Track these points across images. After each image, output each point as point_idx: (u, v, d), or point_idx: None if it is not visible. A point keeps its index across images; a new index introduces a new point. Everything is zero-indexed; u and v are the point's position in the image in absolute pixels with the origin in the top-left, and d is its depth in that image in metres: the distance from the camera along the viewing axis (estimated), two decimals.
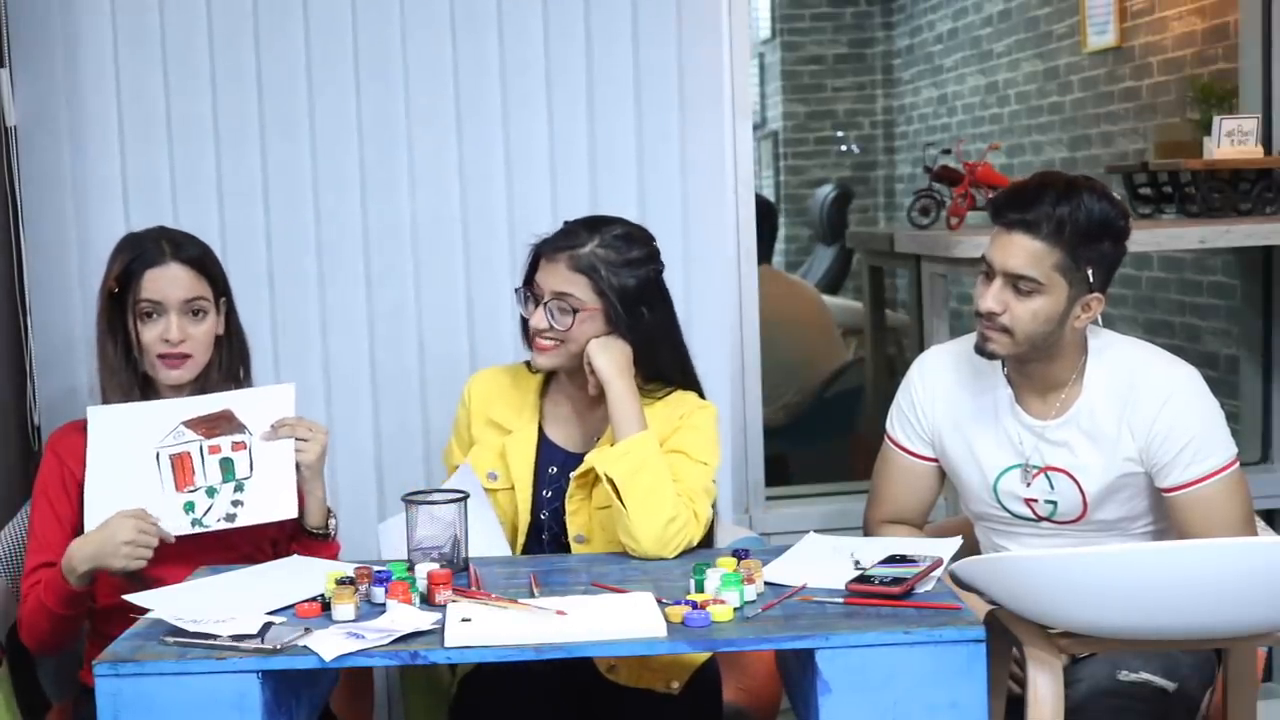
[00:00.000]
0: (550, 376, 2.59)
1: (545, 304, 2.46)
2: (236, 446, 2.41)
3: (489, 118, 3.14)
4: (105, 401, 2.46)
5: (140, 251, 2.46)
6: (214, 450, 2.40)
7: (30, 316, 3.04)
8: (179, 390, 2.48)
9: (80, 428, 2.46)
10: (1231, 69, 3.97)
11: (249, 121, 3.09)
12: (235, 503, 2.40)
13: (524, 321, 2.54)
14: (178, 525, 2.38)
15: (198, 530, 2.39)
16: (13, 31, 3.02)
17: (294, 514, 2.43)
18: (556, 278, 2.46)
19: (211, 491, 2.39)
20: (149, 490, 2.38)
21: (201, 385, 2.50)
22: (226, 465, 2.40)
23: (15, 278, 3.04)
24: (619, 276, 2.46)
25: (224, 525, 2.39)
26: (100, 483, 2.39)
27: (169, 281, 2.44)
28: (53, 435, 2.54)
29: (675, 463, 2.43)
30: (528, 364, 2.62)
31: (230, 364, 2.55)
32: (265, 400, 2.44)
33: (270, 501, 2.41)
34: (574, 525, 2.50)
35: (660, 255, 2.56)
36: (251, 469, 2.41)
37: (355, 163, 3.13)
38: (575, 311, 2.45)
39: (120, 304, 2.45)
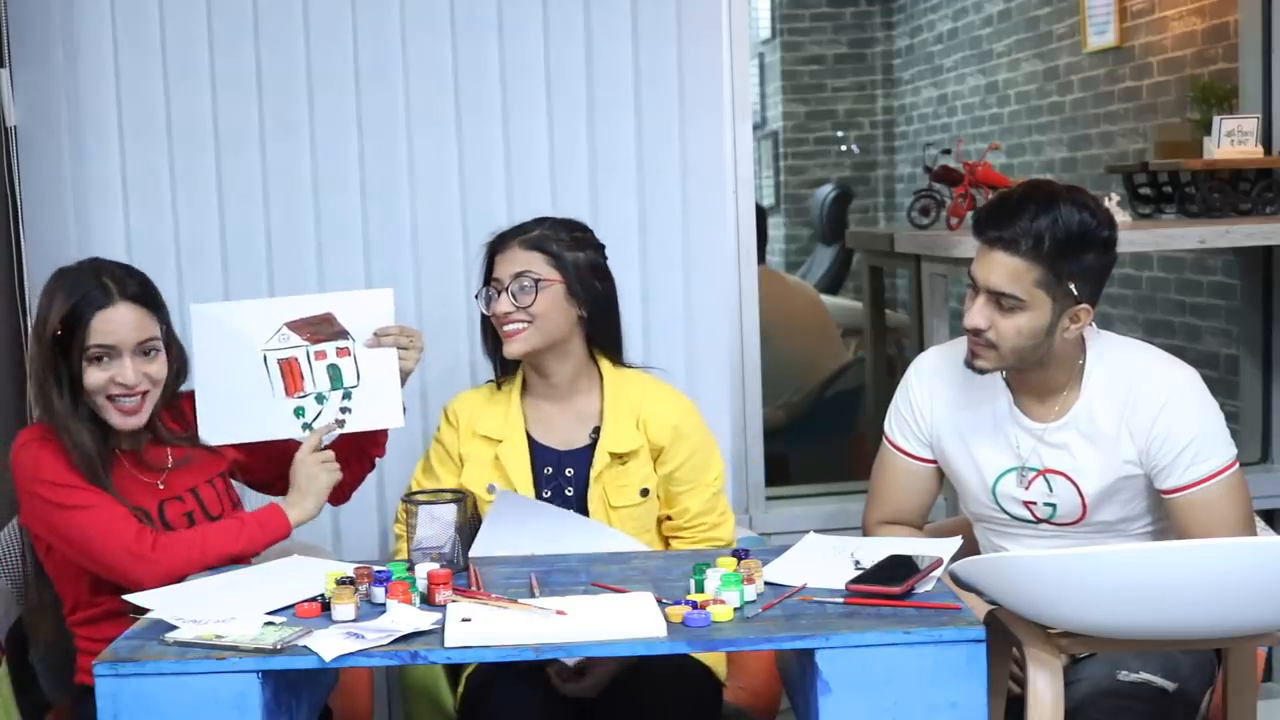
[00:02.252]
0: (525, 383, 2.64)
1: (507, 287, 2.53)
2: (341, 352, 2.45)
3: (488, 118, 3.14)
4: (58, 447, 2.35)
5: (84, 292, 2.34)
6: (320, 356, 2.44)
7: (30, 317, 3.03)
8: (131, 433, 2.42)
9: (37, 436, 2.38)
10: (1231, 69, 3.97)
11: (249, 121, 3.10)
12: (344, 409, 2.46)
13: (485, 329, 2.63)
14: (288, 430, 2.44)
15: (308, 435, 2.45)
16: (13, 31, 3.02)
17: (400, 423, 2.49)
18: (513, 261, 2.55)
19: (320, 398, 2.45)
20: (259, 394, 2.43)
21: (150, 419, 2.43)
22: (334, 372, 2.45)
23: (15, 278, 3.05)
24: (570, 251, 2.57)
25: (334, 431, 2.46)
26: (211, 384, 2.44)
27: (120, 324, 2.34)
28: (20, 454, 2.38)
29: (690, 494, 2.63)
30: (496, 383, 2.68)
31: (175, 388, 2.49)
32: (365, 304, 2.48)
33: (377, 410, 2.47)
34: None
35: (598, 240, 2.68)
36: (358, 377, 2.45)
37: (355, 163, 3.13)
38: (536, 283, 2.52)
39: (64, 346, 2.34)
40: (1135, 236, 3.23)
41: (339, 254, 3.13)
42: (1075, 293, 2.32)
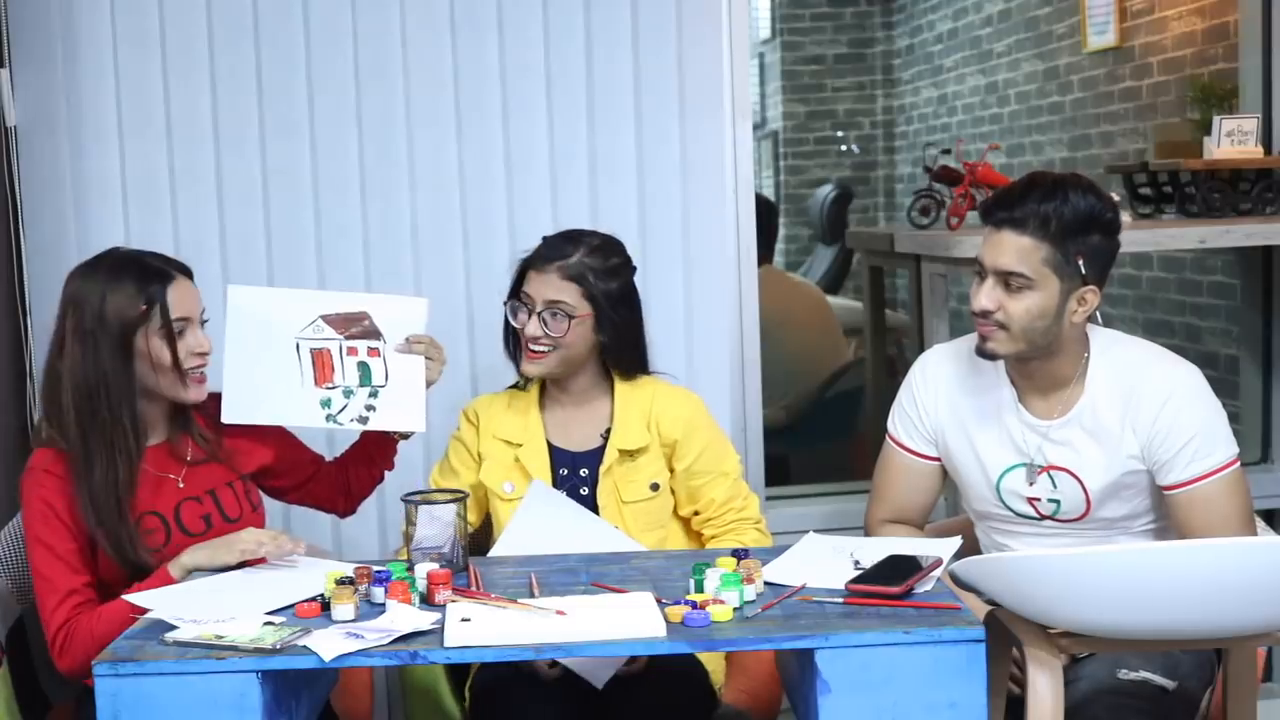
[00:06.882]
0: (543, 390, 2.69)
1: (539, 312, 2.56)
2: (372, 352, 2.48)
3: (489, 119, 3.14)
4: (83, 459, 2.31)
5: (146, 270, 2.34)
6: (352, 352, 2.47)
7: (30, 317, 3.04)
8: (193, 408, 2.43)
9: (47, 461, 2.34)
10: (1231, 69, 3.97)
11: (249, 121, 3.10)
12: (369, 407, 2.49)
13: (511, 334, 2.65)
14: (313, 418, 2.46)
15: (331, 426, 2.48)
16: (13, 31, 3.02)
17: (422, 427, 2.51)
18: (548, 287, 2.56)
19: (348, 393, 2.47)
20: (289, 379, 2.45)
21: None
22: (364, 370, 2.47)
23: (15, 278, 3.05)
24: (604, 282, 2.59)
25: (357, 426, 2.49)
26: (240, 364, 2.44)
27: (187, 294, 2.38)
28: (28, 479, 2.35)
29: (713, 484, 2.65)
30: (515, 386, 2.72)
31: None
32: (400, 310, 2.51)
33: (401, 412, 2.49)
34: (604, 519, 2.59)
35: (631, 260, 2.68)
36: (386, 378, 2.48)
37: (355, 163, 3.13)
38: (569, 318, 2.54)
39: (128, 335, 2.31)
40: (1135, 236, 3.23)
41: (339, 254, 3.13)
42: (1083, 271, 2.33)
